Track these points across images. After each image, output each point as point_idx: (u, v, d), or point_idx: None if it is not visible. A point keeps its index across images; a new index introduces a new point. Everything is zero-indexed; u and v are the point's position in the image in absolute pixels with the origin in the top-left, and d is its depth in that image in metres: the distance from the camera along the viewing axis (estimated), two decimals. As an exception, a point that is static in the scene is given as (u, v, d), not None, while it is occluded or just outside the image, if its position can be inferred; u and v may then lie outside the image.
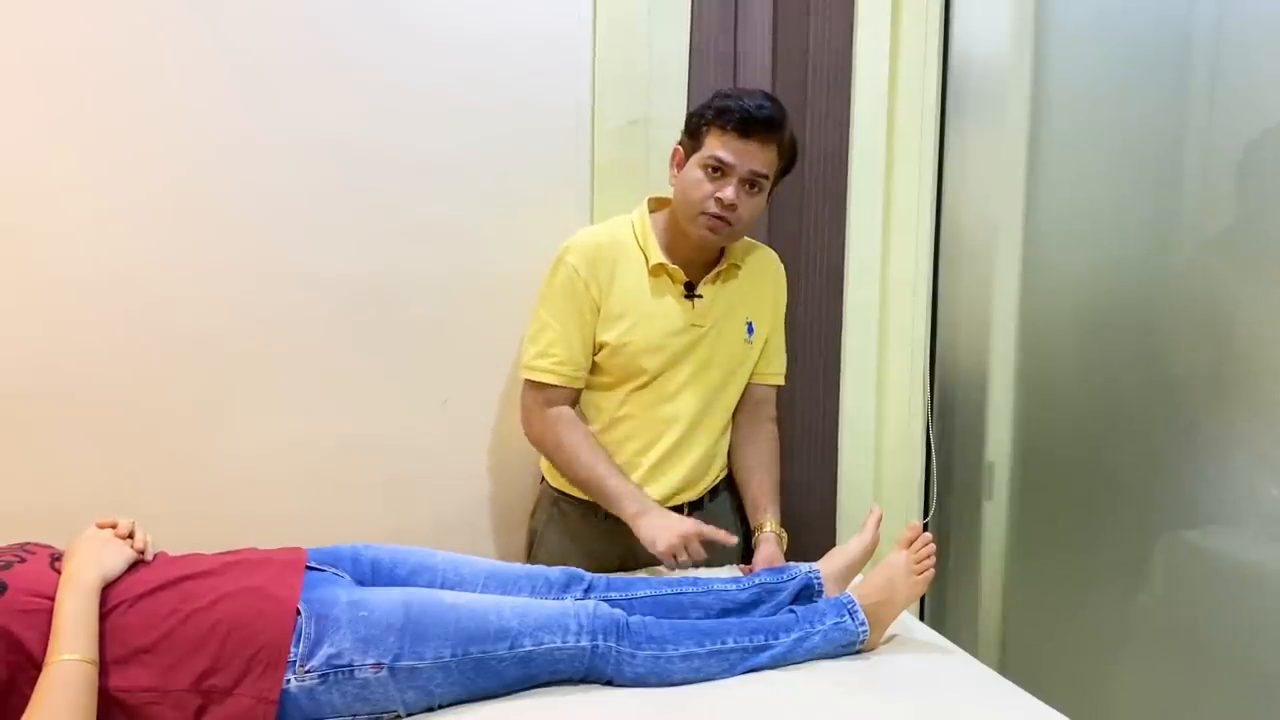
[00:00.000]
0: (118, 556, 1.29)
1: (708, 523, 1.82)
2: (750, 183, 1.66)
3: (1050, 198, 1.93)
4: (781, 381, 1.94)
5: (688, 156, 1.70)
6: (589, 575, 1.55)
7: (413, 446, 1.94)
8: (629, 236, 1.77)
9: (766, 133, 1.65)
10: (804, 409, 2.11)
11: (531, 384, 1.77)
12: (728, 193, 1.64)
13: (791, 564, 1.66)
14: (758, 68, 2.00)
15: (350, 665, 1.24)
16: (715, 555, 1.83)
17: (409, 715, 1.27)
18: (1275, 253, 1.48)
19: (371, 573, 1.48)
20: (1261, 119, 1.49)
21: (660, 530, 1.64)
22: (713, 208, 1.65)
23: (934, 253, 2.15)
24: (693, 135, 1.70)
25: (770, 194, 1.74)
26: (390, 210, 1.88)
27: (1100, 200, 1.81)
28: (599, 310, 1.73)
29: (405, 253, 1.90)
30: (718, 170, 1.65)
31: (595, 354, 1.76)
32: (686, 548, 1.62)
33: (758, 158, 1.65)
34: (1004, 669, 1.52)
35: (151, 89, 1.73)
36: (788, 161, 1.73)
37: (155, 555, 1.35)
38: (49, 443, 1.73)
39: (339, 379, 1.89)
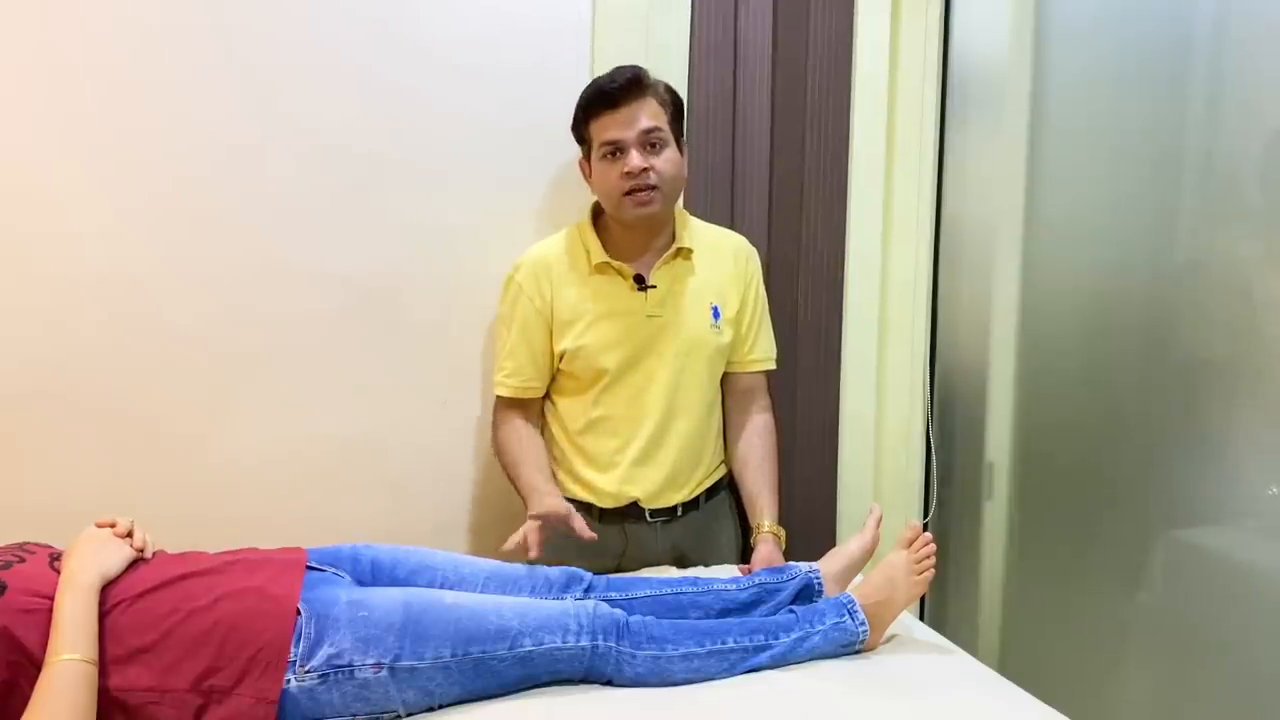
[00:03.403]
0: (117, 555, 1.29)
1: (707, 523, 1.87)
2: (648, 142, 1.69)
3: (1050, 198, 1.93)
4: (769, 366, 1.92)
5: (590, 160, 1.75)
6: (589, 575, 1.55)
7: (413, 446, 1.94)
8: (574, 244, 1.80)
9: (632, 93, 1.68)
10: (804, 409, 2.10)
11: (497, 399, 1.83)
12: (633, 162, 1.67)
13: (791, 564, 1.66)
14: (758, 62, 1.99)
15: (350, 665, 1.24)
16: (713, 555, 1.84)
17: (409, 715, 1.27)
18: (1275, 253, 1.48)
19: (372, 573, 1.48)
20: (1262, 119, 1.49)
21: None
22: (628, 184, 1.68)
23: (934, 252, 2.14)
24: (581, 141, 1.76)
25: (679, 143, 1.76)
26: (390, 211, 1.88)
27: (1100, 200, 1.81)
28: (549, 320, 1.76)
29: (405, 254, 1.90)
30: (614, 151, 1.69)
31: (559, 362, 1.78)
32: (527, 539, 1.58)
33: (639, 117, 1.68)
34: (1004, 669, 1.52)
35: (157, 93, 1.73)
36: (674, 108, 1.75)
37: (154, 554, 1.35)
38: (49, 443, 1.73)
39: (339, 379, 1.89)
